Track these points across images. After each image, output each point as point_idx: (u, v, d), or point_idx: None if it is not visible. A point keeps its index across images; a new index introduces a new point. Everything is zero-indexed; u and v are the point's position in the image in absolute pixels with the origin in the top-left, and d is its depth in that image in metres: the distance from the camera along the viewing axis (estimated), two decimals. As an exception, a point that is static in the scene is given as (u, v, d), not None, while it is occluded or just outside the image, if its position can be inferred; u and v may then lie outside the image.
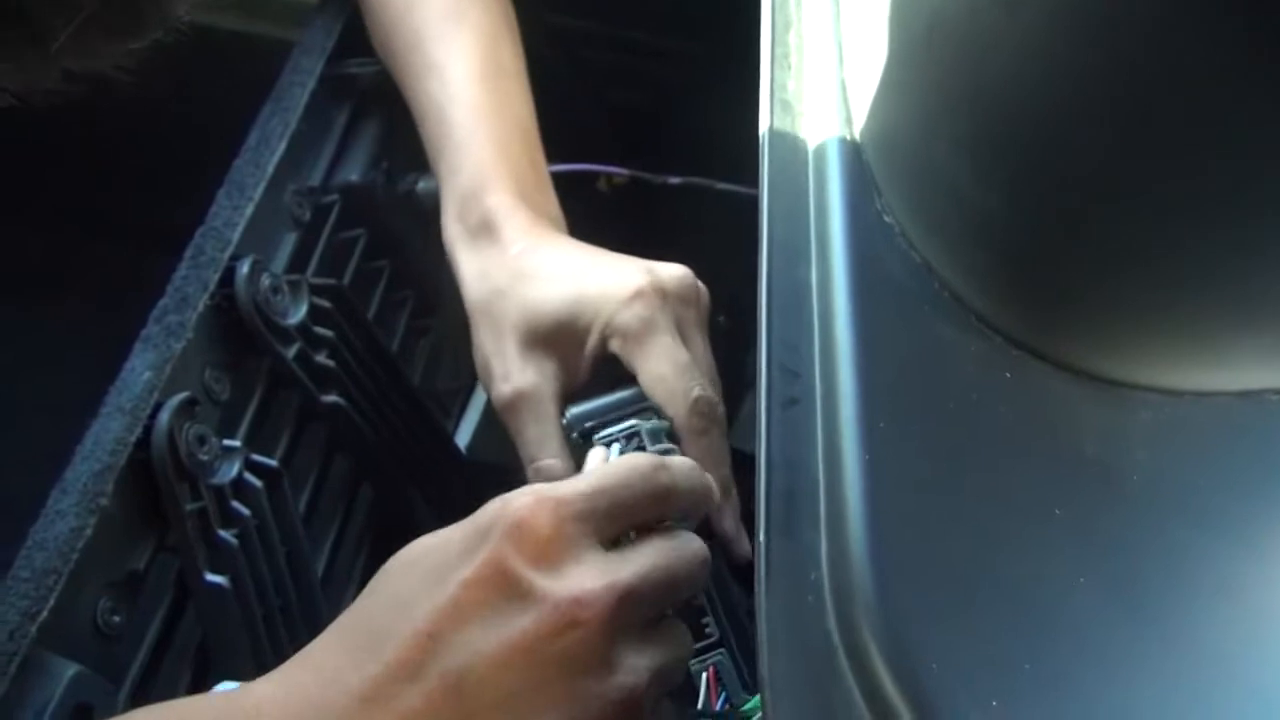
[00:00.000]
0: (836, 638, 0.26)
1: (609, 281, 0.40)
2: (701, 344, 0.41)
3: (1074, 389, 0.29)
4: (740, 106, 0.38)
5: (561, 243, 0.44)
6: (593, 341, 0.41)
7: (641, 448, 0.39)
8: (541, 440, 0.41)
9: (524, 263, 0.42)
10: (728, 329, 0.57)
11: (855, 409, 0.29)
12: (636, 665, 0.29)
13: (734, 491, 0.40)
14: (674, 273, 0.41)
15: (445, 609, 0.28)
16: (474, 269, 0.44)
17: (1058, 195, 0.28)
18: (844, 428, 0.28)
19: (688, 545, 0.32)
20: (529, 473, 0.41)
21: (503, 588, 0.28)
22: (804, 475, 0.29)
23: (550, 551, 0.29)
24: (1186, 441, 0.28)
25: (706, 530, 0.39)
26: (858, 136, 0.34)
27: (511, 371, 0.41)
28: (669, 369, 0.39)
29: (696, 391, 0.39)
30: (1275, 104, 0.24)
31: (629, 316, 0.39)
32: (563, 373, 0.42)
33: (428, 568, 0.30)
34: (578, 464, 0.40)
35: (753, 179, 0.34)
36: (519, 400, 0.41)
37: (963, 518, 0.27)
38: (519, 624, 0.28)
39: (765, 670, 0.26)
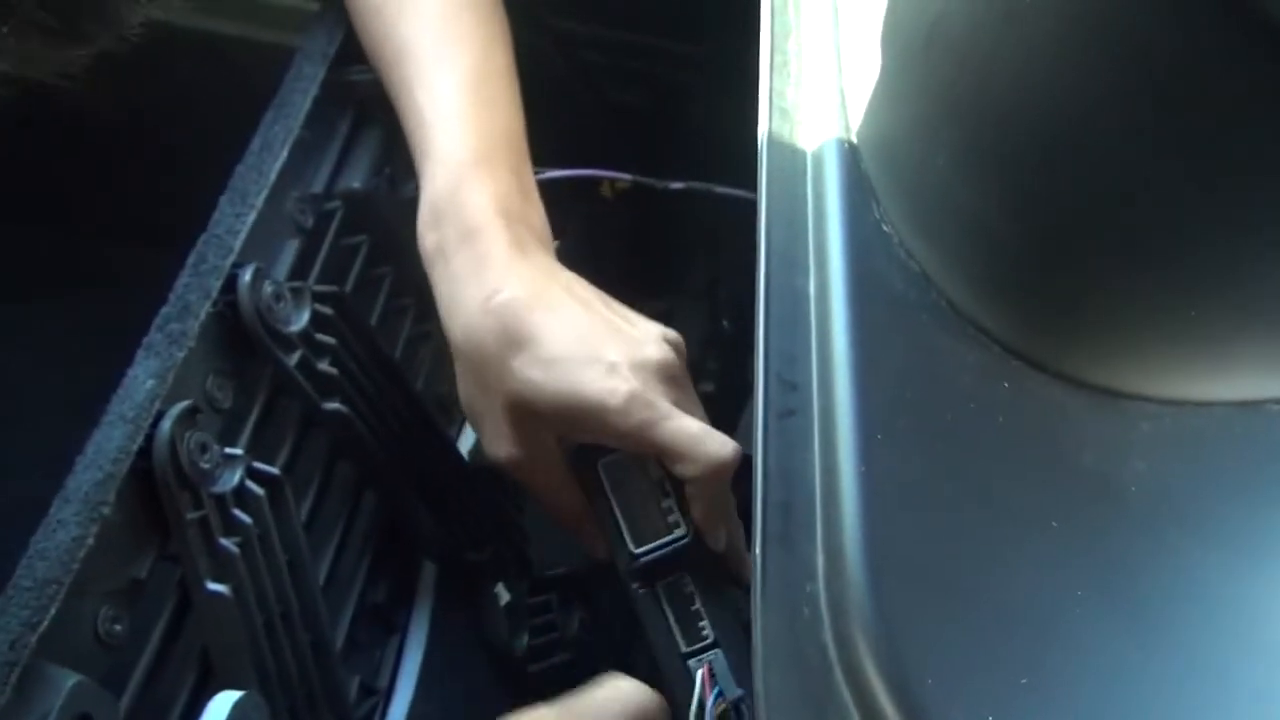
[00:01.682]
0: (832, 651, 0.26)
1: (601, 387, 0.39)
2: (690, 402, 0.42)
3: (1073, 399, 0.29)
4: (744, 109, 0.38)
5: (551, 299, 0.42)
6: (586, 437, 0.42)
7: (646, 474, 0.41)
8: (551, 488, 0.42)
9: (510, 321, 0.41)
10: (733, 333, 0.57)
11: (852, 420, 0.28)
12: None
13: (738, 526, 0.42)
14: (660, 356, 0.41)
15: None
16: (453, 300, 0.42)
17: (1056, 206, 0.28)
18: (841, 439, 0.28)
19: None
20: (548, 510, 0.43)
21: None
22: (801, 487, 0.28)
23: None
24: (1186, 452, 0.28)
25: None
26: (856, 145, 0.33)
27: (506, 438, 0.42)
28: (686, 443, 0.39)
29: (713, 451, 0.39)
30: (1276, 114, 0.24)
31: (631, 422, 0.39)
32: (561, 437, 0.42)
33: None
34: (585, 492, 0.42)
35: (754, 180, 0.34)
36: (518, 465, 0.42)
37: (960, 530, 0.27)
38: None
39: (761, 683, 0.26)
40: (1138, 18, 0.24)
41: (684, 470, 0.39)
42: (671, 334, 0.43)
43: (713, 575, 0.40)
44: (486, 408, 0.42)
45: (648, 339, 0.41)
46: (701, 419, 0.41)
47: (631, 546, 0.41)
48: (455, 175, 0.44)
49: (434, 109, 0.45)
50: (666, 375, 0.41)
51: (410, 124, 0.46)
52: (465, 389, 0.43)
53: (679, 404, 0.40)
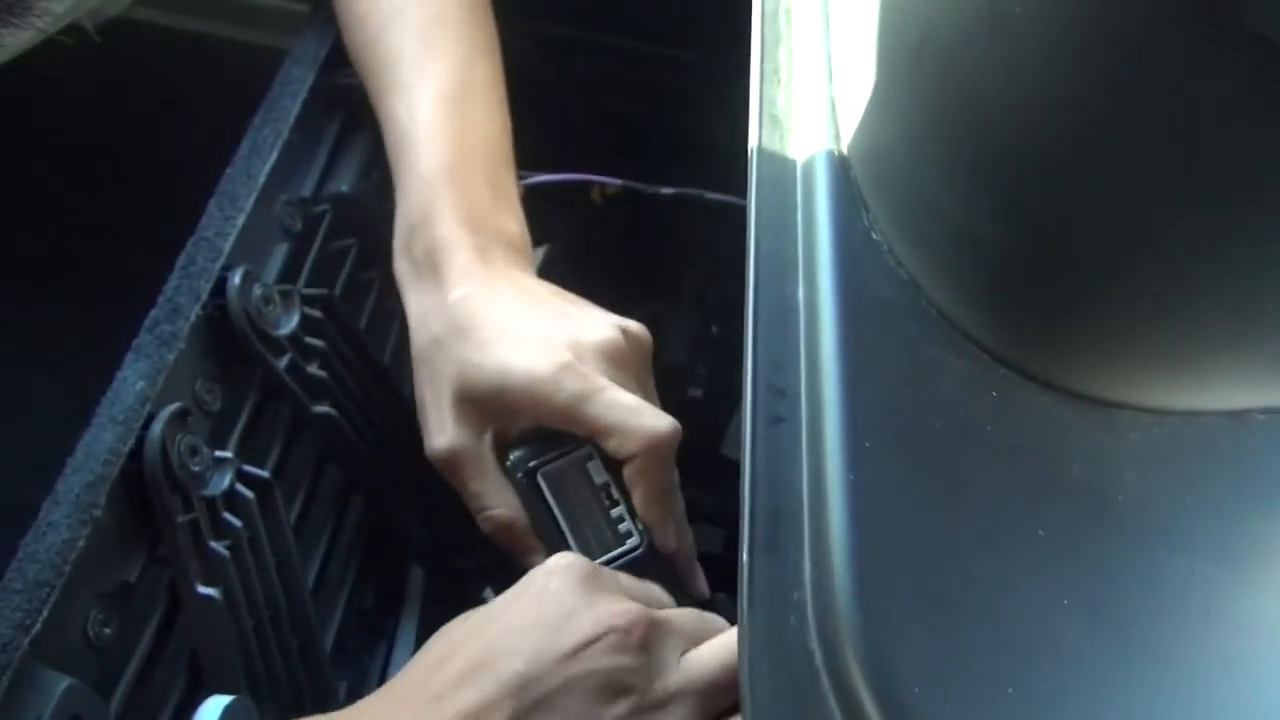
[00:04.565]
0: (819, 659, 0.26)
1: (529, 365, 0.39)
2: (642, 390, 0.41)
3: (1061, 408, 0.29)
4: (735, 116, 0.38)
5: (500, 292, 0.42)
6: (523, 418, 0.41)
7: (590, 481, 0.40)
8: (485, 493, 0.41)
9: (460, 314, 0.41)
10: (721, 337, 0.57)
11: (841, 427, 0.28)
12: None
13: (686, 527, 0.41)
14: (600, 336, 0.40)
15: None
16: (417, 311, 0.43)
17: (1044, 215, 0.28)
18: (829, 446, 0.28)
19: None
20: (479, 521, 0.41)
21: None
22: (789, 494, 0.28)
23: None
24: (1173, 462, 0.28)
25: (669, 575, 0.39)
26: (846, 153, 0.33)
27: (446, 427, 0.41)
28: (620, 416, 0.39)
29: (647, 424, 0.38)
30: (1265, 126, 0.24)
31: (564, 394, 0.39)
32: (498, 432, 0.42)
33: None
34: (525, 504, 0.41)
35: (744, 188, 0.34)
36: (455, 458, 0.41)
37: (947, 538, 0.27)
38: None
39: (746, 690, 0.26)
40: (1125, 29, 0.24)
41: (620, 446, 0.39)
42: (630, 324, 0.42)
43: (667, 587, 0.39)
44: (432, 400, 0.42)
45: (595, 323, 0.41)
46: (650, 398, 0.40)
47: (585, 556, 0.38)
48: (427, 192, 0.44)
49: (411, 121, 0.45)
50: (608, 355, 0.40)
51: (390, 136, 0.46)
52: (419, 390, 0.43)
53: (620, 383, 0.40)
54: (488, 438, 0.41)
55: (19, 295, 0.63)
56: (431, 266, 0.43)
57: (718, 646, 0.34)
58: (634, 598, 0.35)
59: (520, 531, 0.41)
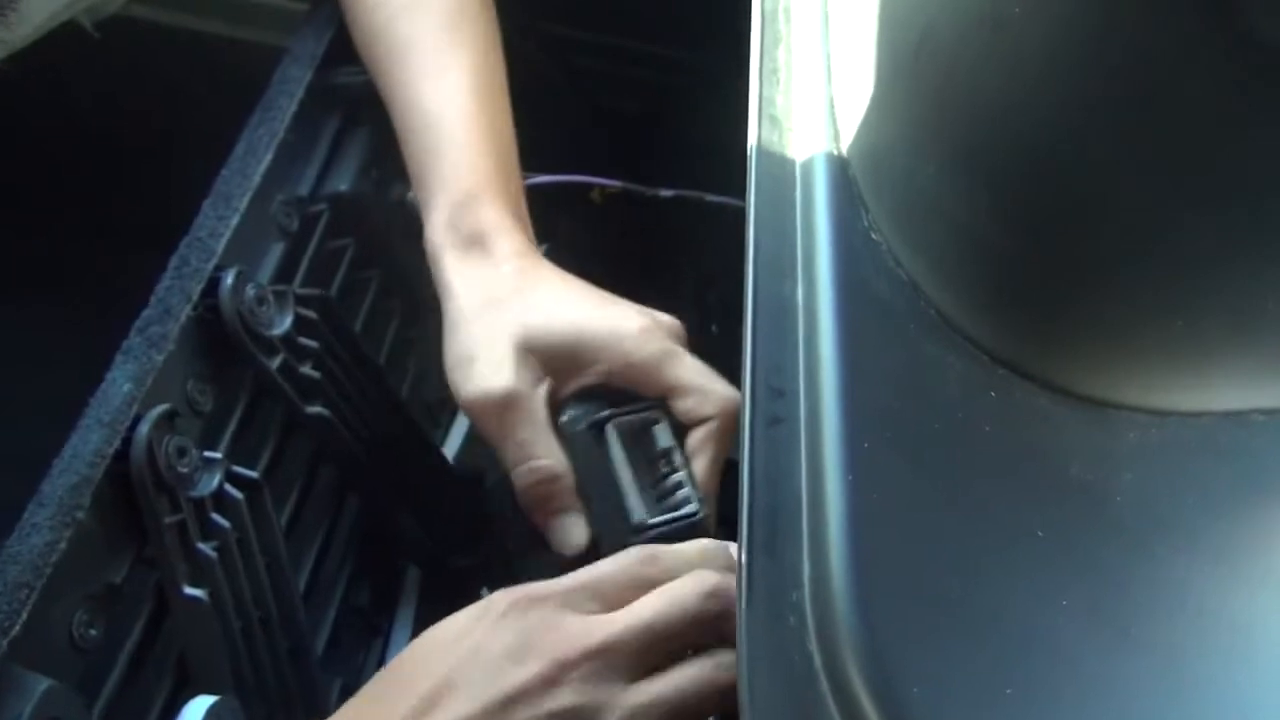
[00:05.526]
0: (818, 660, 0.26)
1: (613, 321, 0.41)
2: None
3: (1060, 409, 0.29)
4: (735, 116, 0.38)
5: (557, 273, 0.44)
6: (590, 374, 0.41)
7: (655, 443, 0.39)
8: (534, 441, 0.40)
9: (523, 283, 0.42)
10: (720, 337, 0.57)
11: (839, 428, 0.28)
12: None
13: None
14: (663, 317, 0.42)
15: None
16: (462, 278, 0.43)
17: (1043, 216, 0.28)
18: (828, 447, 0.28)
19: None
20: (522, 472, 0.40)
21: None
22: (787, 495, 0.28)
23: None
24: (1172, 463, 0.28)
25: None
26: (845, 153, 0.33)
27: (505, 370, 0.40)
28: (702, 379, 0.40)
29: (724, 389, 0.40)
30: (1265, 127, 0.24)
31: (648, 349, 0.40)
32: (552, 389, 0.41)
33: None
34: (576, 460, 0.40)
35: (744, 188, 0.34)
36: (510, 399, 0.40)
37: (946, 539, 0.27)
38: None
39: (746, 691, 0.26)
40: (1125, 29, 0.25)
41: (696, 407, 0.39)
42: (667, 317, 0.43)
43: None
44: (486, 349, 0.41)
45: (654, 311, 0.43)
46: None
47: (642, 516, 0.38)
48: (469, 175, 0.44)
49: (444, 108, 0.45)
50: (673, 333, 0.42)
51: (410, 121, 0.46)
52: (464, 338, 0.42)
53: None
54: (543, 389, 0.41)
55: (16, 294, 0.63)
56: (479, 243, 0.44)
57: (672, 681, 0.32)
58: (707, 564, 0.34)
59: (563, 487, 0.40)
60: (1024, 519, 0.27)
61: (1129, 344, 0.28)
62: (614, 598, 0.33)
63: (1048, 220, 0.28)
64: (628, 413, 0.40)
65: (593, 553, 0.39)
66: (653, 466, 0.39)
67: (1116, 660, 0.25)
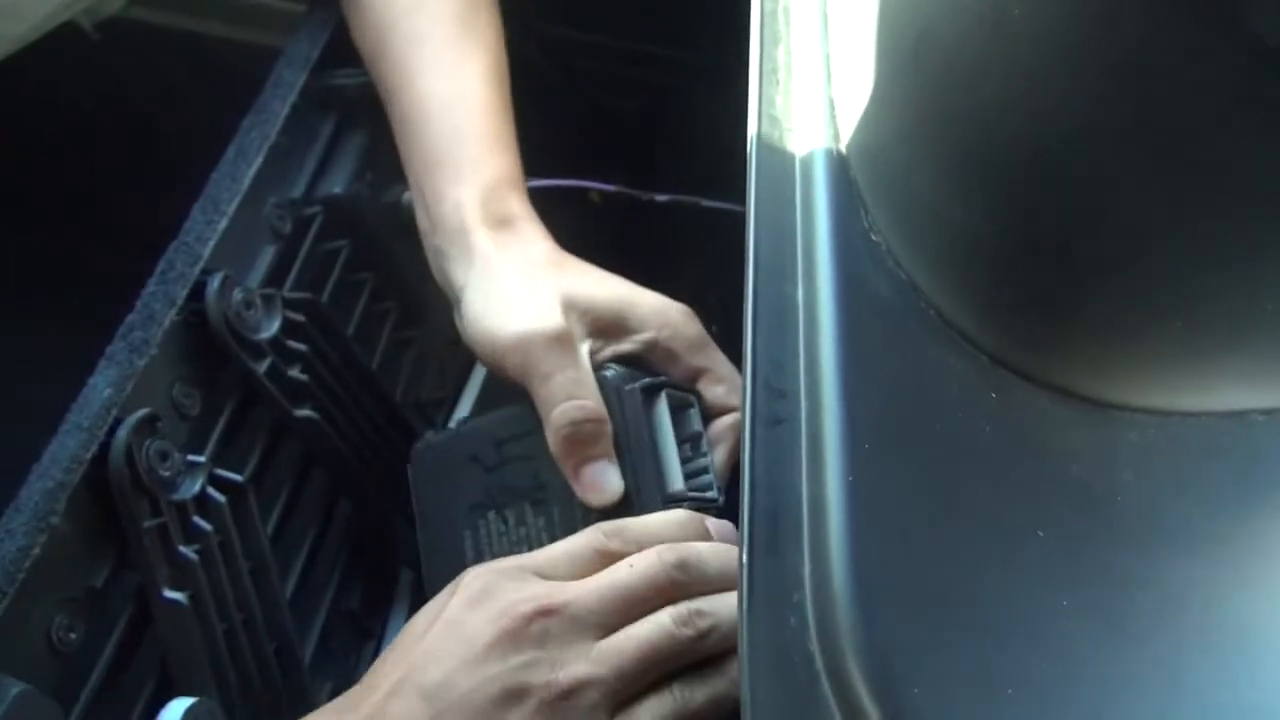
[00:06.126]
0: (819, 661, 0.25)
1: (659, 298, 0.42)
2: None
3: (1060, 409, 0.29)
4: (734, 114, 0.38)
5: (584, 262, 0.44)
6: (630, 342, 0.41)
7: (688, 425, 0.40)
8: (582, 380, 0.39)
9: (561, 259, 0.43)
10: (720, 337, 0.57)
11: (840, 429, 0.28)
12: None
13: None
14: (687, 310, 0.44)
15: None
16: (501, 245, 0.43)
17: (1042, 216, 0.28)
18: (828, 447, 0.28)
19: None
20: (569, 408, 0.39)
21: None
22: (788, 496, 0.28)
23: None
24: (1172, 463, 0.28)
25: None
26: (845, 153, 0.33)
27: (554, 312, 0.40)
28: (733, 371, 0.42)
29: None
30: (1265, 126, 0.24)
31: (694, 328, 0.42)
32: (593, 348, 0.41)
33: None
34: (612, 417, 0.39)
35: (743, 189, 0.34)
36: (564, 335, 0.39)
37: (947, 539, 0.27)
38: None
39: (747, 692, 0.25)
40: (1125, 29, 0.25)
41: (726, 397, 0.41)
42: None
43: None
44: (529, 290, 0.41)
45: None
46: None
47: (679, 486, 0.38)
48: (505, 174, 0.45)
49: (464, 99, 0.46)
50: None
51: (426, 110, 0.46)
52: (503, 281, 0.42)
53: None
54: (587, 344, 0.41)
55: (12, 294, 0.62)
56: (510, 226, 0.44)
57: (632, 633, 0.33)
58: (679, 534, 0.35)
59: (607, 431, 0.39)
60: (1024, 519, 0.27)
61: (1129, 344, 0.28)
62: (581, 569, 0.34)
63: (1047, 220, 0.28)
64: (676, 387, 0.40)
65: (618, 510, 0.38)
66: (682, 446, 0.39)
67: (1117, 660, 0.25)
